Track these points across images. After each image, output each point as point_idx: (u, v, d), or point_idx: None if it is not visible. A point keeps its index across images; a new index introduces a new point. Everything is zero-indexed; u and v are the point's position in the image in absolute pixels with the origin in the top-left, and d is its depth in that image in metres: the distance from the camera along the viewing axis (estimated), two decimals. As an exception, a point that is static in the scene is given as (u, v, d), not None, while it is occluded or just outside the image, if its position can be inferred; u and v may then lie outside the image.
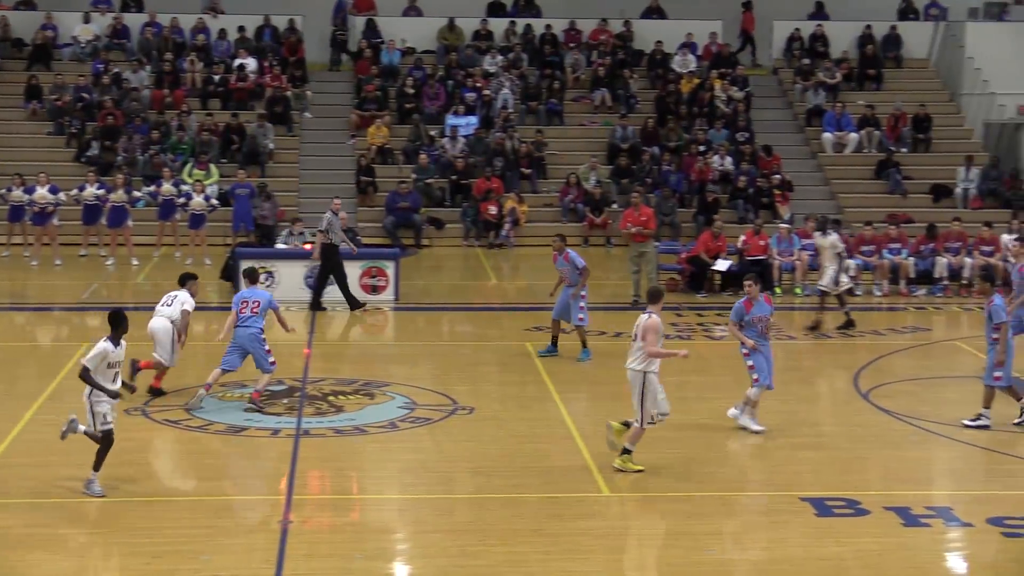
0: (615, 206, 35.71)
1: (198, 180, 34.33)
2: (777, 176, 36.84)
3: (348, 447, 18.16)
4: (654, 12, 43.58)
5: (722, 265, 29.02)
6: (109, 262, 31.96)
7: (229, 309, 21.12)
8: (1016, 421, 19.13)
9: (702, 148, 38.10)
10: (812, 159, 39.15)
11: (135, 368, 20.04)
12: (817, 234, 26.65)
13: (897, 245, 30.08)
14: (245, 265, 27.55)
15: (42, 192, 31.89)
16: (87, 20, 41.38)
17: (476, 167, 37.22)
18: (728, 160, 37.54)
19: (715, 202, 35.49)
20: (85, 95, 38.59)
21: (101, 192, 32.35)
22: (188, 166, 36.00)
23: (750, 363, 18.50)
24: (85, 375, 15.36)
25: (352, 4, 43.26)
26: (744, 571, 14.14)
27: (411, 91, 39.51)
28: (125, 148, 36.86)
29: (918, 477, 17.29)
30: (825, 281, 25.83)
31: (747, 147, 38.12)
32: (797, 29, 42.42)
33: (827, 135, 39.06)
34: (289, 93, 39.48)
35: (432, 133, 38.61)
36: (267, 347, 19.64)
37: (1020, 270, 21.93)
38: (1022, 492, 16.56)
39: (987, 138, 40.52)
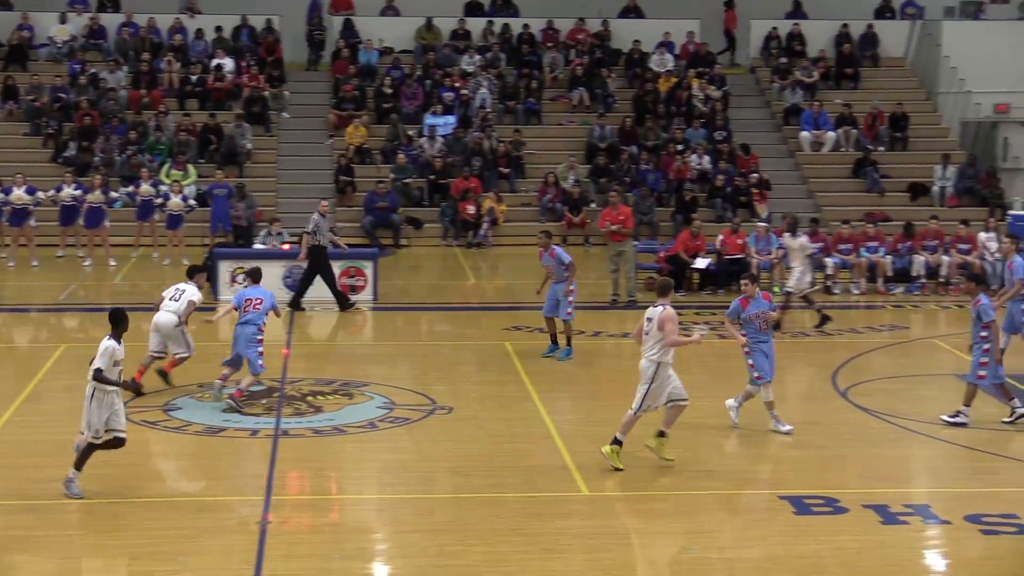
0: (593, 205, 35.74)
1: (176, 180, 34.25)
2: (755, 175, 36.91)
3: (327, 447, 18.13)
4: (632, 11, 43.63)
5: (701, 263, 29.05)
6: (86, 263, 31.86)
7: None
8: (1006, 419, 19.17)
9: (680, 147, 38.16)
10: (790, 158, 39.24)
11: (164, 377, 20.32)
12: (787, 235, 26.72)
13: (875, 243, 30.16)
14: (223, 265, 27.69)
15: (19, 193, 31.79)
16: (63, 20, 41.27)
17: (454, 167, 37.22)
18: (706, 159, 37.60)
19: (693, 201, 35.53)
20: (62, 95, 38.49)
21: (78, 193, 32.26)
22: (166, 166, 35.91)
23: (750, 362, 18.54)
24: (100, 376, 15.26)
25: (330, 4, 43.21)
26: (723, 569, 14.15)
27: (389, 91, 39.48)
28: (102, 149, 36.76)
29: (896, 475, 17.33)
30: (791, 282, 25.89)
31: (725, 146, 38.18)
32: (774, 28, 42.51)
33: (805, 134, 39.14)
34: (267, 93, 39.43)
35: (410, 133, 38.59)
36: (261, 348, 19.66)
37: (1009, 266, 21.94)
38: (1000, 489, 16.60)
39: (964, 136, 40.66)
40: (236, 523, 15.01)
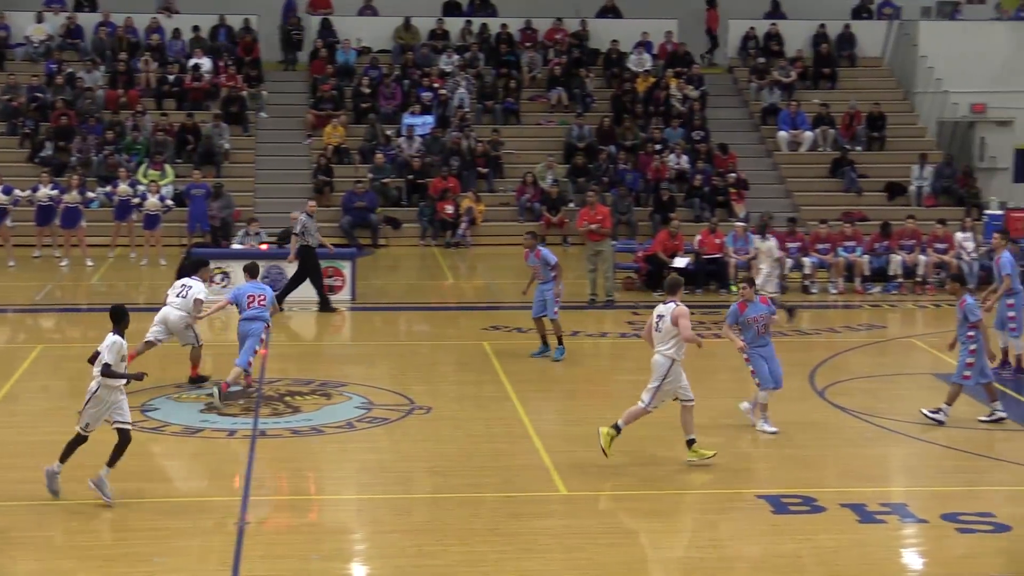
0: (571, 205, 35.76)
1: (153, 180, 34.17)
2: (733, 175, 36.96)
3: (305, 448, 18.10)
4: (610, 11, 43.67)
5: (679, 262, 29.09)
6: (63, 263, 31.77)
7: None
8: (983, 418, 19.23)
9: (658, 147, 38.21)
10: (767, 157, 39.32)
11: (198, 380, 20.44)
12: (756, 237, 26.77)
13: (852, 243, 30.23)
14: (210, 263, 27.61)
15: (-5, 193, 31.69)
16: (40, 20, 41.13)
17: (432, 166, 37.21)
18: (684, 159, 37.65)
19: (670, 200, 35.56)
20: (39, 95, 38.37)
21: (55, 193, 32.16)
22: (143, 166, 35.82)
23: (751, 367, 18.58)
24: (109, 371, 15.28)
25: (308, 3, 43.15)
26: (701, 569, 14.17)
27: (367, 91, 39.44)
28: (79, 148, 36.66)
29: (874, 474, 17.37)
30: (758, 282, 25.92)
31: (703, 146, 38.23)
32: (752, 28, 42.58)
33: (782, 133, 39.21)
34: (244, 93, 39.36)
35: (388, 132, 38.55)
36: (259, 347, 19.90)
37: (997, 261, 21.96)
38: (976, 488, 16.67)
39: (940, 136, 40.79)
40: (213, 524, 14.97)
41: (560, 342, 22.88)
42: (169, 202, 33.19)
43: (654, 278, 29.40)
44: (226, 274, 27.54)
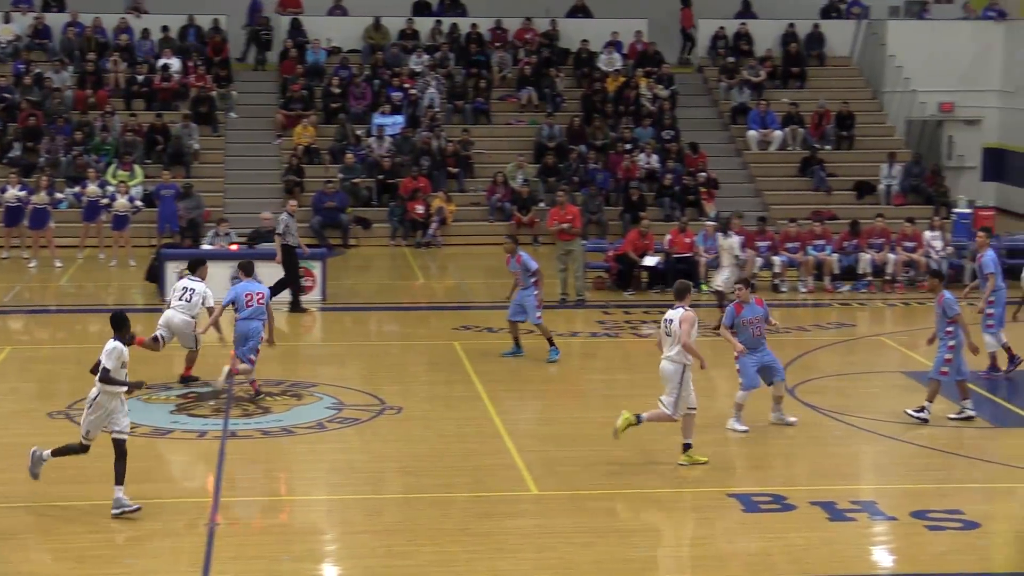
0: (542, 204, 35.77)
1: (122, 181, 34.03)
2: (703, 174, 37.02)
3: (275, 448, 18.08)
4: (579, 11, 43.68)
5: (649, 261, 29.14)
6: (31, 264, 31.61)
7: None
8: (952, 415, 19.32)
9: (628, 146, 38.24)
10: (737, 157, 39.40)
11: (129, 342, 20.13)
12: (719, 235, 26.83)
13: (821, 242, 30.31)
14: (170, 266, 27.54)
15: (-37, 194, 31.54)
16: (7, 20, 40.93)
17: (403, 166, 37.17)
18: (654, 158, 37.69)
19: (640, 199, 35.59)
20: (6, 95, 38.17)
21: (23, 194, 32.02)
22: (112, 167, 35.68)
23: (737, 366, 18.63)
24: (108, 377, 15.05)
25: (278, 3, 43.05)
26: (672, 567, 14.22)
27: (337, 91, 39.38)
28: (48, 149, 36.50)
29: (844, 472, 17.43)
30: (719, 281, 26.03)
31: (673, 145, 38.29)
32: (722, 28, 42.66)
33: (752, 133, 39.30)
34: (214, 93, 39.24)
35: (358, 132, 38.49)
36: (258, 344, 20.07)
37: (979, 260, 22.00)
38: (945, 485, 16.73)
39: (909, 135, 40.93)
40: (184, 525, 14.94)
41: (552, 344, 22.86)
42: (139, 203, 33.07)
43: (624, 277, 29.47)
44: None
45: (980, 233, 22.94)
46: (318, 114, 39.10)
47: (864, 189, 37.57)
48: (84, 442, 15.29)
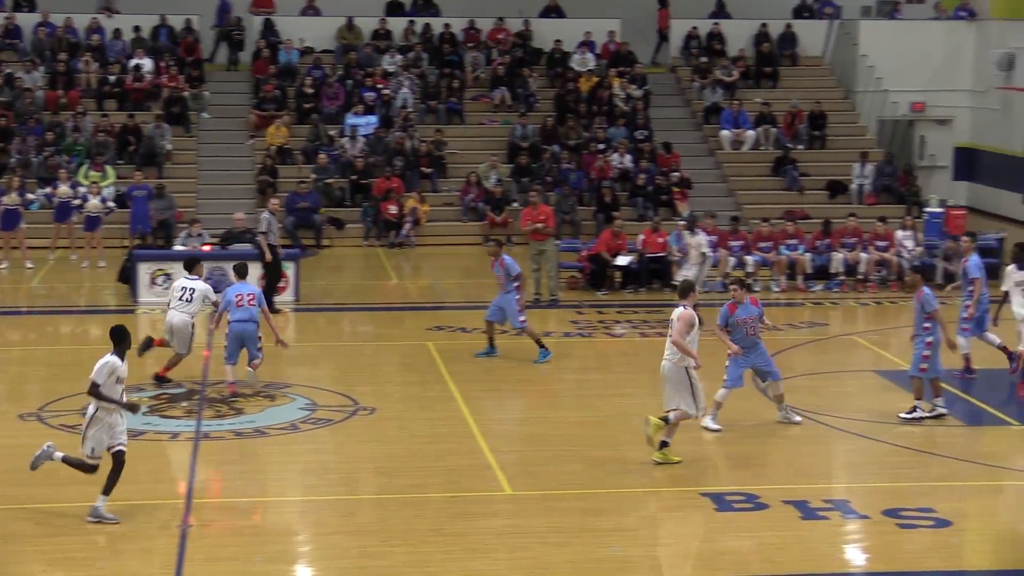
0: (515, 204, 35.77)
1: (94, 182, 33.90)
2: (676, 174, 37.07)
3: (248, 449, 18.05)
4: (553, 11, 43.70)
5: (622, 260, 29.18)
6: (2, 265, 31.44)
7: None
8: (925, 414, 19.39)
9: (601, 146, 38.27)
10: (710, 156, 39.46)
11: (148, 345, 20.57)
12: (686, 233, 26.87)
13: (794, 241, 30.38)
14: (143, 267, 27.49)
15: (-66, 195, 31.37)
16: (-22, 20, 40.76)
17: (376, 167, 37.12)
18: (627, 158, 37.73)
19: (613, 199, 35.62)
20: (-23, 96, 38.02)
21: (-6, 195, 31.88)
22: (84, 168, 35.55)
23: (726, 363, 18.68)
24: (95, 391, 14.78)
25: (251, 3, 42.95)
26: (645, 567, 14.23)
27: (310, 91, 39.31)
28: (19, 150, 36.34)
29: (816, 471, 17.49)
30: (683, 277, 26.11)
31: (646, 145, 38.33)
32: (695, 27, 42.72)
33: (725, 132, 39.37)
34: (186, 93, 39.13)
35: (331, 133, 38.43)
36: (261, 337, 20.51)
37: (964, 263, 21.98)
38: (917, 484, 16.80)
39: (881, 135, 41.04)
40: (156, 527, 14.90)
41: (541, 345, 22.84)
42: (111, 203, 32.96)
43: (598, 277, 29.49)
44: (168, 275, 27.39)
45: (965, 238, 22.89)
46: (291, 114, 39.02)
47: (836, 189, 37.66)
48: (91, 461, 15.00)
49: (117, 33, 40.85)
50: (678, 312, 17.20)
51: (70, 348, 24.65)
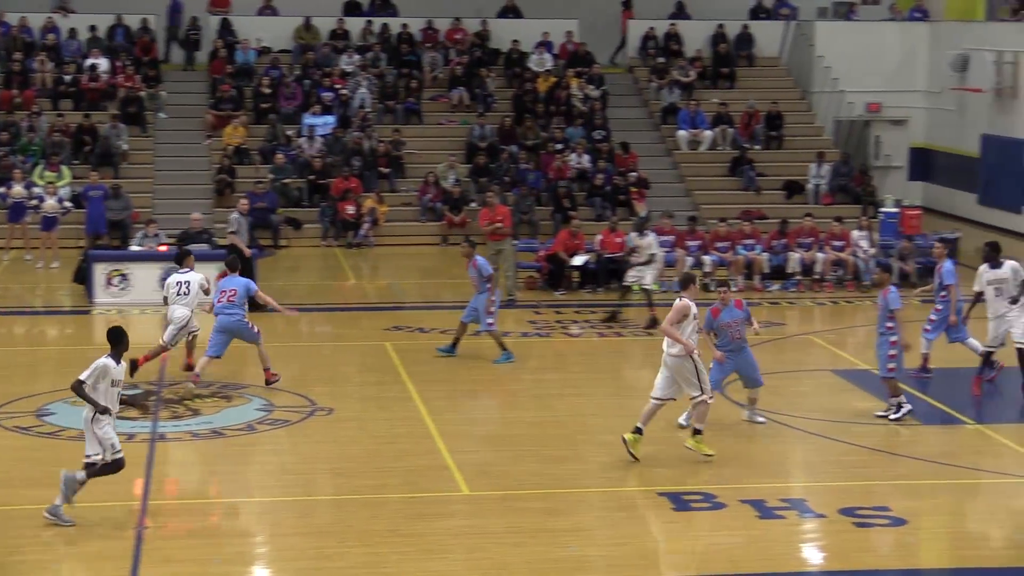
0: (473, 205, 35.76)
1: (50, 182, 33.72)
2: (633, 174, 37.14)
3: (205, 450, 17.98)
4: (510, 11, 43.71)
5: (578, 260, 29.21)
6: (-42, 266, 31.30)
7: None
8: (880, 413, 19.48)
9: (559, 146, 38.31)
10: (667, 157, 39.55)
11: (134, 366, 20.52)
12: (634, 234, 26.90)
13: (751, 241, 30.49)
14: (99, 267, 27.33)
15: None
16: (-68, 19, 40.46)
17: (334, 167, 37.04)
18: (585, 158, 37.78)
19: (569, 198, 35.63)
20: (-69, 96, 37.74)
21: (-52, 195, 31.69)
22: (39, 168, 35.33)
23: (709, 366, 18.72)
24: (78, 388, 14.61)
25: (208, 3, 42.78)
26: (603, 567, 14.25)
27: (267, 91, 39.19)
28: (-27, 150, 36.10)
29: (773, 470, 17.54)
30: (647, 280, 26.18)
31: (604, 145, 38.39)
32: (652, 28, 42.79)
33: (682, 133, 39.47)
34: (143, 93, 38.94)
35: (289, 133, 38.33)
36: (251, 324, 20.84)
37: (939, 270, 22.01)
38: (872, 483, 16.89)
39: (837, 135, 41.22)
40: (112, 529, 14.82)
41: (504, 348, 22.85)
42: (67, 203, 32.80)
43: (556, 277, 29.52)
44: (124, 276, 27.27)
45: (937, 244, 22.91)
46: (248, 114, 38.88)
47: (793, 189, 37.81)
48: (112, 458, 14.79)
49: (73, 32, 40.61)
50: (675, 303, 17.31)
51: (25, 349, 24.51)
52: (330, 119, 38.58)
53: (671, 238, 30.05)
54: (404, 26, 42.04)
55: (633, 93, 42.10)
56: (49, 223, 31.80)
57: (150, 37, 40.71)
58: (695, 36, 42.55)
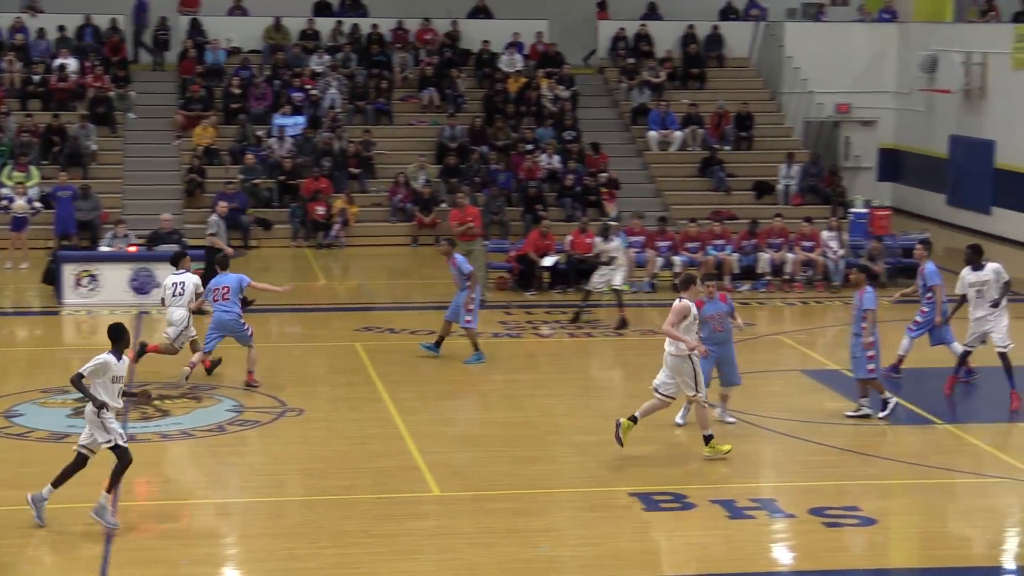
0: (444, 205, 35.74)
1: (19, 183, 33.57)
2: (604, 174, 37.19)
3: (175, 451, 17.93)
4: (481, 12, 43.72)
5: (548, 261, 29.23)
6: (-74, 267, 31.12)
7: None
8: (850, 413, 19.55)
9: (530, 147, 38.33)
10: (638, 157, 39.60)
11: (142, 350, 21.05)
12: (599, 240, 26.91)
13: (721, 241, 30.55)
14: (68, 268, 27.23)
15: None
16: (-101, 19, 40.24)
17: (304, 167, 36.97)
18: (556, 159, 37.80)
19: (539, 198, 35.64)
20: (-102, 96, 37.54)
21: (-84, 195, 31.51)
22: (7, 168, 35.18)
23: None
24: (77, 381, 14.58)
25: (178, 3, 42.65)
26: (574, 567, 14.26)
27: (237, 91, 39.11)
28: (-59, 150, 35.93)
29: (743, 470, 17.57)
30: (617, 280, 26.22)
31: (574, 146, 38.42)
32: (622, 29, 42.86)
33: (652, 133, 39.53)
34: (112, 93, 38.81)
35: (259, 133, 38.25)
36: (246, 324, 21.04)
37: (922, 272, 22.02)
38: (842, 482, 16.94)
39: (807, 136, 41.35)
40: (80, 531, 14.76)
41: (476, 348, 22.86)
42: (37, 204, 32.67)
43: (526, 278, 29.52)
44: (93, 276, 27.18)
45: (919, 245, 22.88)
46: (218, 115, 38.80)
47: (763, 189, 37.91)
48: (120, 445, 14.76)
49: (41, 32, 40.45)
50: (674, 304, 17.36)
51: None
52: (300, 119, 38.52)
53: (641, 238, 30.09)
54: (374, 26, 42.00)
55: (603, 94, 42.15)
56: (19, 224, 31.67)
57: (119, 37, 40.58)
58: (665, 37, 42.63)
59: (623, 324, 25.61)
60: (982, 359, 21.03)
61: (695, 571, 14.12)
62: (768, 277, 30.15)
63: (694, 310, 17.39)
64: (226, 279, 21.22)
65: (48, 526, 14.74)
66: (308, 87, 39.43)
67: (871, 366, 19.24)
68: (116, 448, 14.74)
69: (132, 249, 28.19)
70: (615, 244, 26.56)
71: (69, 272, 27.33)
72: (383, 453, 17.82)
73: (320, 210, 35.43)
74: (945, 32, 39.68)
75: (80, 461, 14.87)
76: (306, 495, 16.19)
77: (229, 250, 26.82)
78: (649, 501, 15.89)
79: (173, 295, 21.21)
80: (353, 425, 19.15)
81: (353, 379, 21.81)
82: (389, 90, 40.28)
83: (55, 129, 36.86)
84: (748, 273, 30.22)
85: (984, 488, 17.01)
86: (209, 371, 21.48)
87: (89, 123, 37.27)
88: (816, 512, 15.61)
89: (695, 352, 17.27)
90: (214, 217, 27.61)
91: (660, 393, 17.47)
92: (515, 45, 41.86)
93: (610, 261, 26.24)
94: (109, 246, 28.97)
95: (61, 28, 40.55)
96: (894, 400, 19.48)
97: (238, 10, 42.93)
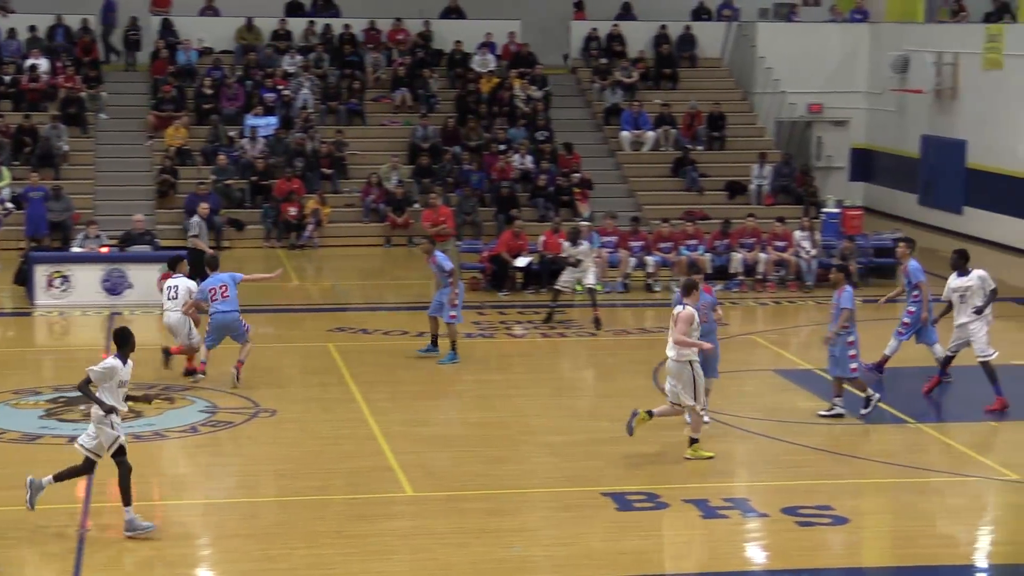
0: (416, 206, 35.72)
1: (-10, 183, 33.48)
2: (577, 174, 37.22)
3: (148, 452, 17.86)
4: (453, 12, 43.71)
5: (521, 261, 29.24)
6: None
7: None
8: (822, 412, 19.61)
9: (502, 147, 38.33)
10: (610, 157, 39.65)
11: (167, 355, 21.34)
12: (567, 244, 26.92)
13: (694, 241, 30.61)
14: (40, 269, 27.13)
15: None
16: None
17: (276, 168, 36.90)
18: (528, 159, 37.82)
19: (511, 197, 35.65)
20: None
21: None
22: (-22, 169, 35.04)
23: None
24: (84, 386, 14.52)
25: (150, 3, 42.52)
26: (547, 567, 14.28)
27: (209, 91, 39.01)
28: (-89, 150, 35.75)
29: (716, 469, 17.59)
30: (565, 279, 26.26)
31: (547, 146, 38.44)
32: (594, 29, 42.90)
33: (625, 133, 39.57)
34: (83, 94, 38.67)
35: (231, 134, 38.16)
36: (244, 322, 21.33)
37: (904, 270, 22.04)
38: (815, 482, 16.99)
39: (779, 136, 41.46)
40: (53, 532, 14.72)
41: (453, 347, 22.85)
42: (9, 205, 32.56)
43: (499, 278, 29.53)
44: (65, 277, 27.08)
45: (901, 244, 22.85)
46: (190, 115, 38.70)
47: (735, 189, 37.99)
48: (123, 446, 14.77)
49: (12, 32, 40.28)
50: (678, 311, 17.37)
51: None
52: (272, 120, 38.45)
53: (614, 239, 30.12)
54: (346, 27, 41.95)
55: (576, 94, 42.18)
56: (-9, 224, 31.56)
57: (90, 37, 40.44)
58: (638, 37, 42.69)
59: (597, 324, 25.65)
60: (960, 359, 21.05)
61: (668, 571, 14.15)
62: (741, 277, 30.21)
63: (697, 318, 17.46)
64: (219, 278, 21.26)
65: (21, 527, 14.68)
66: (280, 87, 39.37)
67: (853, 365, 19.29)
68: (116, 455, 14.67)
69: (104, 250, 28.11)
70: (583, 247, 26.57)
71: (41, 273, 27.23)
72: (356, 454, 17.81)
73: (292, 211, 35.37)
74: (917, 32, 39.85)
75: (88, 466, 14.86)
76: (279, 496, 16.17)
77: (210, 251, 26.68)
78: (622, 501, 15.91)
79: (167, 299, 21.40)
80: (326, 426, 19.14)
81: (326, 380, 21.78)
82: (361, 90, 40.24)
83: (26, 130, 36.72)
84: (721, 273, 30.25)
85: (958, 487, 17.07)
86: (188, 373, 21.35)
87: (61, 124, 37.14)
88: (789, 511, 15.66)
89: (696, 362, 17.32)
90: (195, 219, 27.66)
91: (673, 404, 17.60)
92: (487, 45, 41.86)
93: (577, 263, 26.27)
94: (81, 247, 28.87)
95: (32, 28, 40.39)
96: (877, 396, 19.54)
97: (210, 10, 42.83)
